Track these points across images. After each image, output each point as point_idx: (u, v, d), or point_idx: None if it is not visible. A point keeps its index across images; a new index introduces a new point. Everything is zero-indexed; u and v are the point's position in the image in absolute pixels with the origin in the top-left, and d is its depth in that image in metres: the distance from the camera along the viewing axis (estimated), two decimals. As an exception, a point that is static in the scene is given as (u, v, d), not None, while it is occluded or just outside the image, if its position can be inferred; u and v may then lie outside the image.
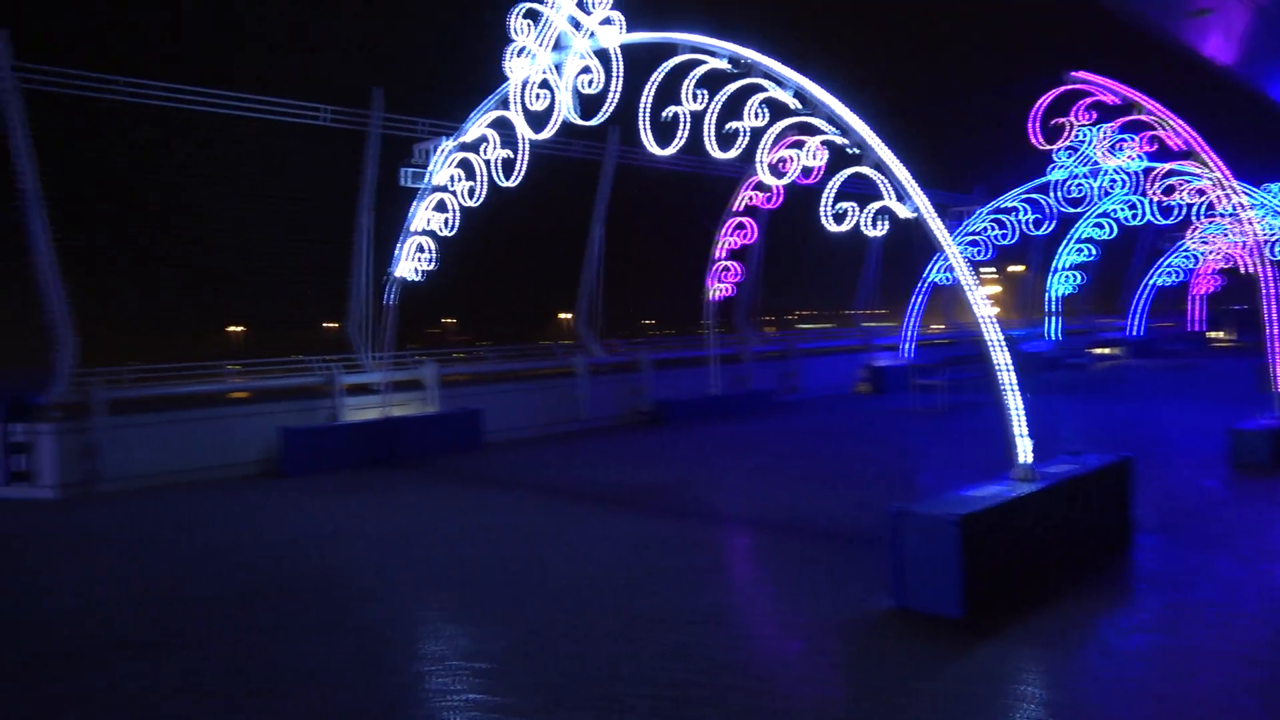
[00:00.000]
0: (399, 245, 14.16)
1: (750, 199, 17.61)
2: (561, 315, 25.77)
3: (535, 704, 5.12)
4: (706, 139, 9.25)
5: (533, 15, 10.57)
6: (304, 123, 15.09)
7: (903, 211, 7.94)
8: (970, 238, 21.55)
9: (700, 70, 9.15)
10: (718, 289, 18.86)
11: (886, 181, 8.00)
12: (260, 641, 6.32)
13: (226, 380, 15.06)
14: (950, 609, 6.24)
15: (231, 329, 19.61)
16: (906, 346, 24.74)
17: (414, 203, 13.75)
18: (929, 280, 23.70)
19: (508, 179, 11.98)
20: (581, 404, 18.20)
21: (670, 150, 9.56)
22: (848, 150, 8.22)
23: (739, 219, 17.91)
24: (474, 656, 5.87)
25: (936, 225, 7.79)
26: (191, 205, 15.14)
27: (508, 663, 5.76)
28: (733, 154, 9.17)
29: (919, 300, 24.26)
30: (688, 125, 9.35)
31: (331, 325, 17.28)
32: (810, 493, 11.07)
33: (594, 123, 10.37)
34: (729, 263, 18.52)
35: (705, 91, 9.18)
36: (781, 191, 15.92)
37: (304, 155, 15.34)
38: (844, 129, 8.20)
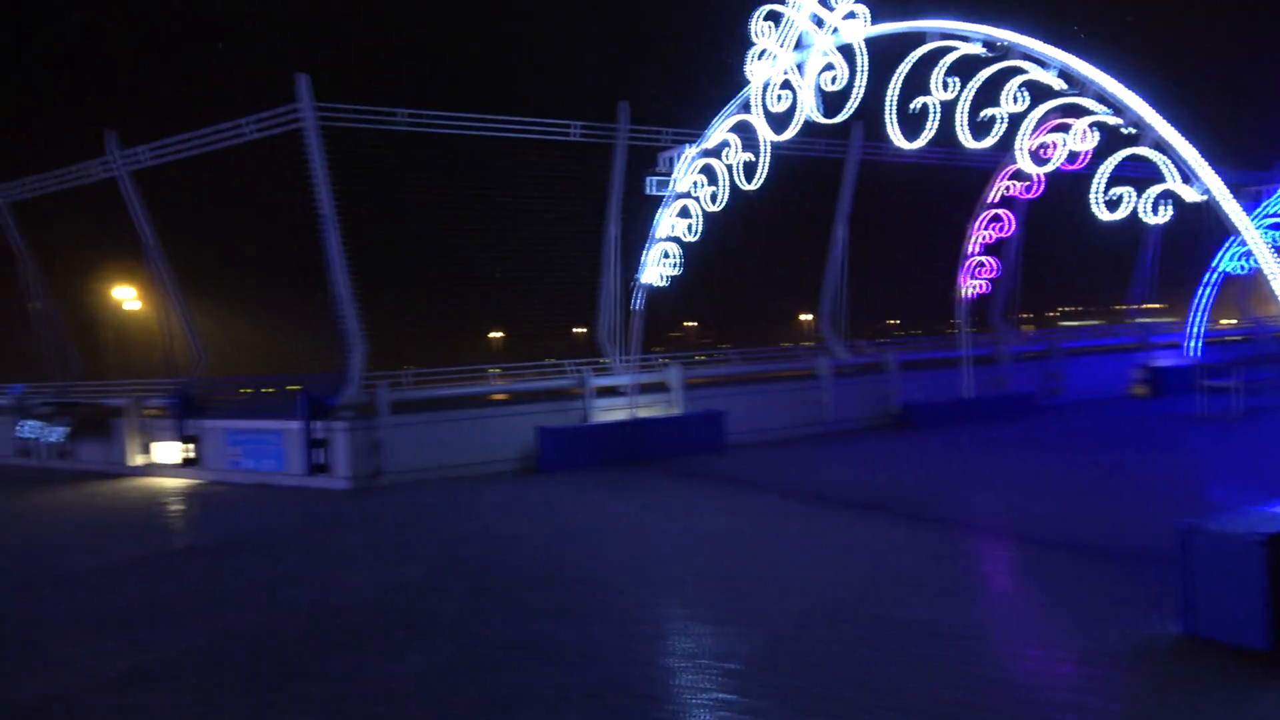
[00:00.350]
0: (645, 252, 14.60)
1: (1007, 189, 16.58)
2: (803, 316, 25.47)
3: (785, 710, 5.09)
4: (959, 128, 8.81)
5: (774, 17, 10.55)
6: (556, 139, 15.93)
7: (1189, 194, 7.16)
8: (1272, 220, 19.03)
9: (951, 57, 8.72)
10: (971, 286, 17.90)
11: (1169, 162, 7.24)
12: (522, 626, 6.73)
13: (489, 383, 16.23)
14: (1252, 639, 5.53)
15: (492, 334, 21.01)
16: (1192, 344, 22.26)
17: (659, 210, 14.13)
18: (1219, 270, 21.18)
19: (749, 182, 12.03)
20: (826, 406, 17.90)
21: (919, 143, 9.20)
22: (1122, 130, 7.53)
23: (994, 211, 16.92)
24: (724, 657, 5.93)
25: (1231, 208, 6.95)
26: (459, 221, 16.42)
27: (757, 666, 5.76)
28: (988, 142, 8.68)
29: (1207, 292, 21.75)
30: (938, 115, 8.95)
31: (581, 330, 18.10)
32: (1079, 503, 10.23)
33: (837, 120, 10.17)
34: (983, 258, 17.53)
35: (957, 79, 8.74)
36: (1043, 180, 14.87)
37: (556, 170, 16.19)
38: (1117, 107, 7.51)
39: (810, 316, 21.07)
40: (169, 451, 16.28)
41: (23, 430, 18.91)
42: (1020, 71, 8.20)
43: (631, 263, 15.41)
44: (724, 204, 12.82)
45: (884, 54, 9.44)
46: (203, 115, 15.20)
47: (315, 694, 5.62)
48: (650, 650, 6.23)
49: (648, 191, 14.09)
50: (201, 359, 17.10)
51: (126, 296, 21.67)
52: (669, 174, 13.79)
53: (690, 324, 29.82)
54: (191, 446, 15.97)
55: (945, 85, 8.82)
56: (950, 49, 8.72)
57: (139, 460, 16.99)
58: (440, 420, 14.60)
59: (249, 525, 11.54)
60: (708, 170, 12.91)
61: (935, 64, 8.84)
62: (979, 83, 8.57)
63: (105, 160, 16.66)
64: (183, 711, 5.45)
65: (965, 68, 8.69)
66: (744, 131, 11.91)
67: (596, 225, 16.75)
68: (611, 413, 15.89)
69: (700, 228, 13.61)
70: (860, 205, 19.30)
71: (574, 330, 18.59)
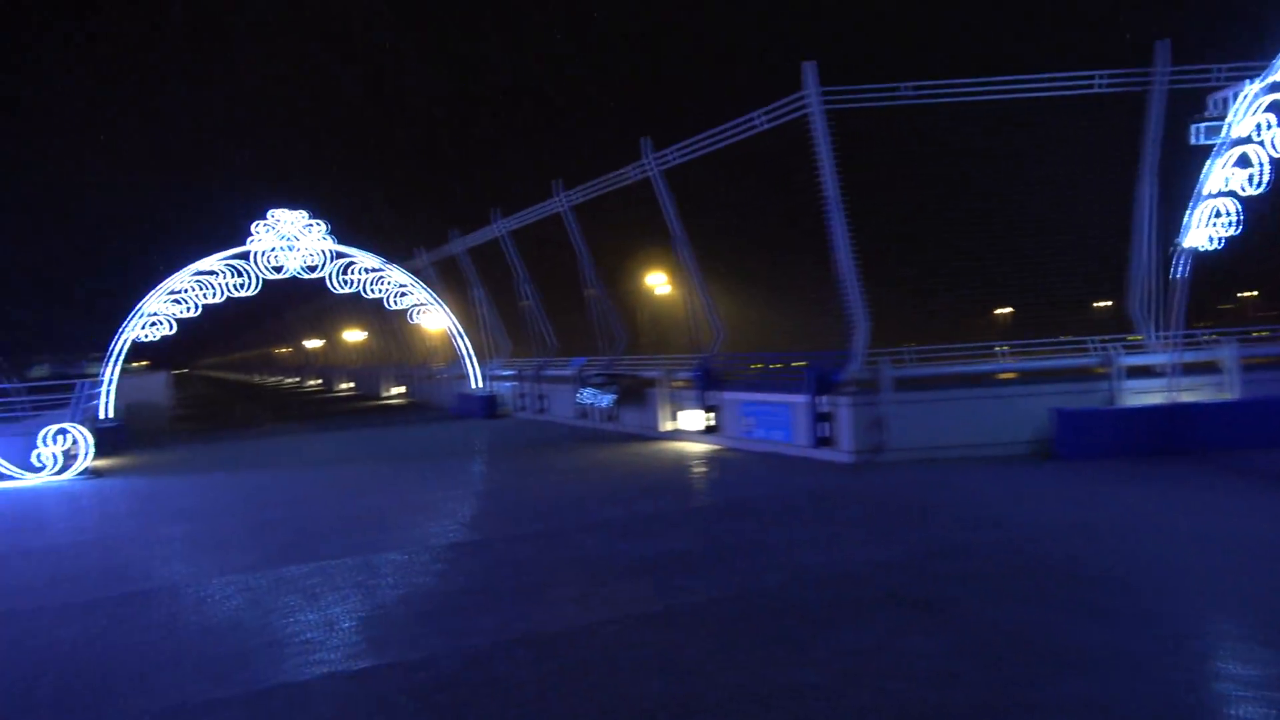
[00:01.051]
0: (1189, 211, 12.62)
1: None
2: None
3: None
4: None
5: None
6: (1075, 94, 14.44)
7: None
8: None
9: None
10: None
11: None
12: (1031, 623, 6.26)
13: (997, 360, 15.39)
14: None
15: (1000, 310, 19.91)
16: None
17: (1208, 161, 12.11)
18: None
19: (1339, 115, 9.76)
20: None
21: None
22: None
23: None
24: (1298, 691, 4.93)
25: None
26: (964, 191, 15.75)
27: (1348, 709, 4.70)
28: None
29: None
30: None
31: (1104, 304, 16.30)
32: None
33: None
34: None
35: None
36: None
37: (1075, 127, 14.68)
38: None
39: None
40: (693, 419, 18.12)
41: (582, 397, 22.50)
42: None
43: (1171, 225, 13.42)
44: (1300, 146, 10.58)
45: None
46: (721, 112, 16.51)
47: (824, 659, 5.84)
48: (1197, 670, 5.41)
49: (1193, 141, 12.20)
50: (720, 336, 18.71)
51: (658, 282, 24.55)
52: (1222, 118, 11.75)
53: (1247, 294, 25.21)
54: (712, 415, 17.59)
55: None
56: None
57: (668, 425, 19.17)
58: (944, 398, 14.21)
59: (760, 490, 12.37)
60: (1276, 108, 10.74)
61: None
62: None
63: (641, 164, 18.96)
64: (706, 652, 6.03)
65: None
66: (1332, 54, 9.69)
67: (1126, 185, 14.88)
68: (1144, 396, 14.07)
69: (1266, 178, 11.38)
70: None
71: (1095, 304, 16.80)
